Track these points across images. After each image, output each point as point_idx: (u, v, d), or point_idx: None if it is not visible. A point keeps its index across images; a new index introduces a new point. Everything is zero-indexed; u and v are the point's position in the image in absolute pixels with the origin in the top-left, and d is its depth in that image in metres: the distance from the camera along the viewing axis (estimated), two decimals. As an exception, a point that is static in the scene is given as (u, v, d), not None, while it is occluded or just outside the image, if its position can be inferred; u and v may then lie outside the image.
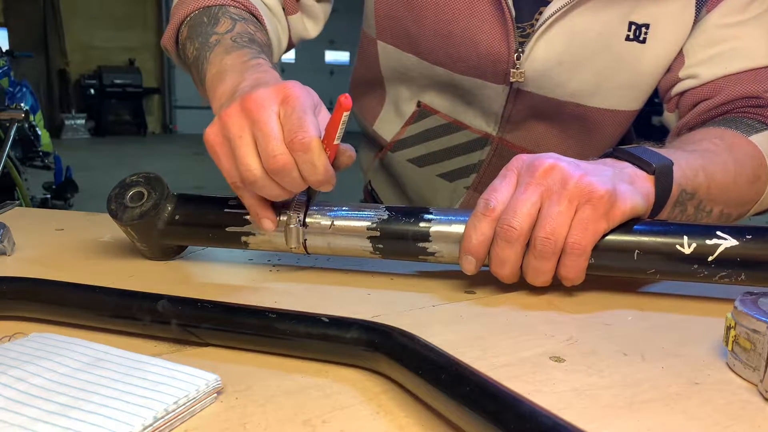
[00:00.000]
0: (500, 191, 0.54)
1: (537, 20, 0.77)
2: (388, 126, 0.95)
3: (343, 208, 0.60)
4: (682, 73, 0.79)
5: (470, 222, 0.54)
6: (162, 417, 0.35)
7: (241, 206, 0.60)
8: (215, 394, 0.38)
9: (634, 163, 0.58)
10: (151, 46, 9.60)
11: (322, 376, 0.41)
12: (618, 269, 0.54)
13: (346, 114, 0.51)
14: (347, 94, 0.50)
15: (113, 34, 9.30)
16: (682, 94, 0.81)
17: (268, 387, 0.40)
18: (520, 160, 0.56)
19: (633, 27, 0.76)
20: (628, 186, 0.54)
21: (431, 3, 0.79)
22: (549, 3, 0.76)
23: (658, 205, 0.58)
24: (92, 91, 9.02)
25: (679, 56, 0.79)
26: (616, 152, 0.60)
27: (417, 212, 0.58)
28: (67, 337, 0.44)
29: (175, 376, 0.38)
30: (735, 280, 0.53)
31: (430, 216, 0.58)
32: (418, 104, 0.90)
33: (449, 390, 0.34)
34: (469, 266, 0.55)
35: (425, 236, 0.57)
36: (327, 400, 0.38)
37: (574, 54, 0.78)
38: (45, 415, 0.34)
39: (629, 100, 0.82)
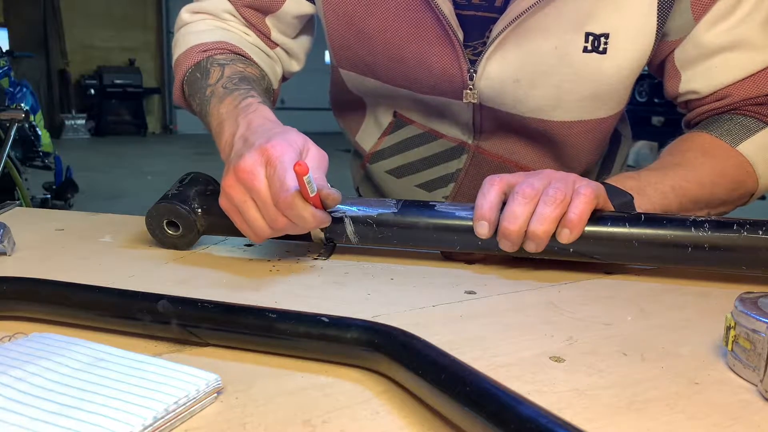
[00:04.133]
0: (501, 175, 0.61)
1: (488, 38, 0.76)
2: (368, 138, 0.95)
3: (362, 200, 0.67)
4: (681, 89, 0.79)
5: (479, 193, 0.61)
6: (162, 417, 0.35)
7: None
8: (215, 394, 0.38)
9: None
10: (151, 46, 9.60)
11: (322, 376, 0.41)
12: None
13: (305, 176, 0.55)
14: (300, 162, 0.55)
15: (113, 34, 9.29)
16: (687, 102, 0.81)
17: (268, 387, 0.40)
18: (518, 173, 0.63)
19: (591, 38, 0.73)
20: None
21: (378, 31, 0.78)
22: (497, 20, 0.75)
23: None
24: (92, 91, 9.01)
25: (673, 69, 0.79)
26: None
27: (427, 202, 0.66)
28: (67, 337, 0.44)
29: (175, 376, 0.38)
30: (710, 219, 0.59)
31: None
32: (395, 114, 0.90)
33: (449, 390, 0.34)
34: (482, 230, 0.60)
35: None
36: (327, 400, 0.38)
37: (531, 70, 0.76)
38: (45, 415, 0.34)
39: (594, 109, 0.80)
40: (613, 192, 0.64)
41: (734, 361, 0.42)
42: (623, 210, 0.64)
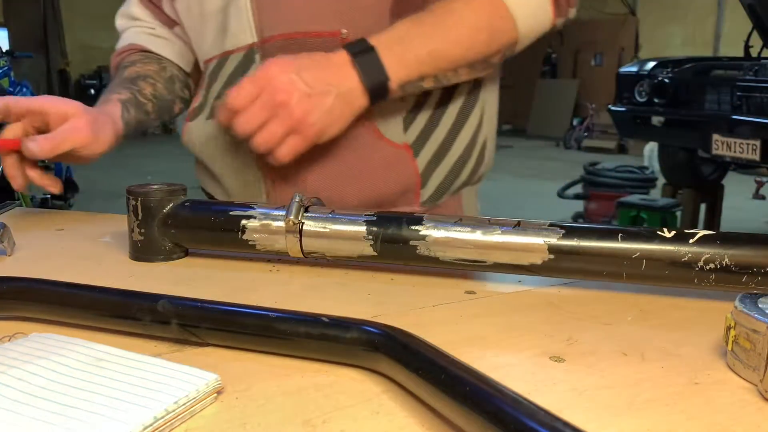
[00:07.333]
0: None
1: None
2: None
3: (338, 212, 0.62)
4: None
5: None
6: (162, 417, 0.35)
7: (243, 207, 0.64)
8: (215, 394, 0.38)
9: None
10: (151, 46, 9.60)
11: (322, 376, 0.41)
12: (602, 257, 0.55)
13: None
14: None
15: (113, 34, 9.26)
16: None
17: (268, 387, 0.40)
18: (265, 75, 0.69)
19: None
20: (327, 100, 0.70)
21: None
22: None
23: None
24: (92, 91, 9.02)
25: None
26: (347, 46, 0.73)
27: (408, 216, 0.60)
28: (67, 337, 0.44)
29: (175, 376, 0.38)
30: (720, 266, 0.52)
31: (422, 221, 0.59)
32: (199, 68, 0.92)
33: (449, 390, 0.34)
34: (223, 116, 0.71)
35: (419, 221, 0.59)
36: (327, 400, 0.38)
37: None
38: (45, 415, 0.34)
39: None
40: (365, 66, 0.71)
41: (734, 361, 0.42)
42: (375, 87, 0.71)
